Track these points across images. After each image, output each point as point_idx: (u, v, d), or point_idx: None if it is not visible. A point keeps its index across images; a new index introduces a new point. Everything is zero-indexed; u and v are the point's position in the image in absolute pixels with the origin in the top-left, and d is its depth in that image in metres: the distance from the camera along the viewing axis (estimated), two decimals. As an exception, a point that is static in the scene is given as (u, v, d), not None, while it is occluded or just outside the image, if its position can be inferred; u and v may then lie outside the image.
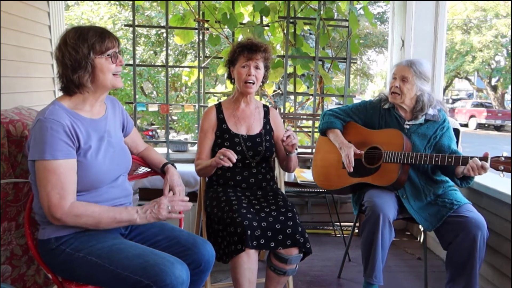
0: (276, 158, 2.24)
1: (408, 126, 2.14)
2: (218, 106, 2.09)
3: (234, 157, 1.74)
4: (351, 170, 2.09)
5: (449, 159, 1.90)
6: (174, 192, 1.64)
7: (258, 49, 1.96)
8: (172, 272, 1.28)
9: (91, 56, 1.37)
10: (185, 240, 1.52)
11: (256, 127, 2.07)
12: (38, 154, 1.31)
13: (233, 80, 2.06)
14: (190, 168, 2.81)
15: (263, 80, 2.05)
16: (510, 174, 1.81)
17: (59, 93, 1.47)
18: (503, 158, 1.81)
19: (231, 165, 1.75)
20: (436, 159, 1.93)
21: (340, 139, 2.18)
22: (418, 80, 2.06)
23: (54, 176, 1.31)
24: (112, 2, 10.72)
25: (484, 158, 1.83)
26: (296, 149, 1.93)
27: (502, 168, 1.80)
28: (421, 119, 2.13)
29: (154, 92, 11.52)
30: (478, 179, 2.24)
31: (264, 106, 2.16)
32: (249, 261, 1.69)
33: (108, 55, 1.40)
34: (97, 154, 1.43)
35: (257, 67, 1.96)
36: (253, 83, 1.97)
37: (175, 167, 1.73)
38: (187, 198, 1.48)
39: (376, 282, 1.95)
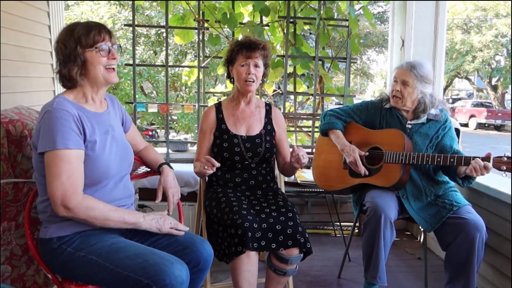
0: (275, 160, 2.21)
1: (410, 126, 2.14)
2: (218, 106, 2.06)
3: (216, 163, 1.70)
4: (366, 173, 2.07)
5: (451, 159, 1.90)
6: (167, 195, 1.64)
7: (257, 47, 1.92)
8: (171, 271, 1.28)
9: (79, 50, 1.38)
10: (183, 239, 1.52)
11: (256, 128, 2.03)
12: (49, 145, 1.31)
13: (232, 80, 2.02)
14: (190, 168, 2.80)
15: (263, 78, 2.01)
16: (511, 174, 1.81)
17: (59, 93, 1.48)
18: (505, 158, 1.81)
19: (214, 170, 1.72)
20: (438, 159, 1.93)
21: (342, 141, 2.17)
22: (419, 83, 2.05)
23: (68, 165, 1.31)
24: (112, 2, 10.72)
25: (486, 158, 1.83)
26: (302, 167, 1.86)
27: (505, 168, 1.80)
28: (423, 119, 2.12)
29: (154, 92, 11.52)
30: (478, 179, 2.23)
31: (267, 105, 2.11)
32: (249, 262, 1.68)
33: (96, 48, 1.40)
34: (104, 147, 1.43)
35: (256, 65, 1.92)
36: (253, 81, 1.93)
37: (171, 168, 1.73)
38: (187, 228, 1.56)
39: (380, 282, 1.95)
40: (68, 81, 1.42)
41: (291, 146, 1.83)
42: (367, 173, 2.08)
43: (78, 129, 1.36)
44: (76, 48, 1.38)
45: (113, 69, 1.47)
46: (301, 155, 1.76)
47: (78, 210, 1.32)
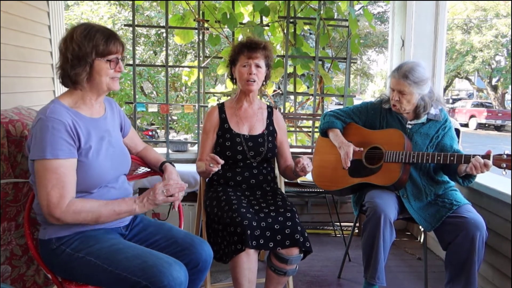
0: (276, 162, 2.22)
1: (410, 126, 2.14)
2: (221, 106, 2.08)
3: (220, 161, 1.69)
4: (348, 165, 2.08)
5: (451, 158, 1.91)
6: None
7: (258, 47, 1.94)
8: (170, 273, 1.28)
9: (92, 57, 1.37)
10: (182, 240, 1.52)
11: (259, 128, 2.05)
12: (39, 154, 1.31)
13: (235, 80, 2.04)
14: (190, 168, 2.82)
15: (266, 79, 2.02)
16: (511, 171, 1.81)
17: (59, 93, 1.47)
18: (505, 156, 1.82)
19: (219, 167, 1.72)
20: (438, 157, 1.93)
21: (339, 139, 2.18)
22: (416, 88, 2.01)
23: (54, 175, 1.30)
24: (112, 2, 10.73)
25: (486, 156, 1.84)
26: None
27: (504, 165, 1.81)
28: (423, 119, 2.13)
29: (154, 92, 11.51)
30: (478, 179, 2.24)
31: (268, 107, 2.14)
32: (249, 260, 1.69)
33: (108, 60, 1.40)
34: (98, 153, 1.43)
35: (257, 66, 1.94)
36: (254, 81, 1.95)
37: (173, 166, 1.73)
38: (183, 183, 1.43)
39: (379, 283, 1.95)
40: (72, 83, 1.41)
41: (297, 157, 1.84)
42: (348, 165, 2.08)
43: (71, 138, 1.35)
44: (91, 54, 1.37)
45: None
46: (306, 164, 1.80)
47: (65, 218, 1.31)
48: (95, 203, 1.36)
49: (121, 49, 1.43)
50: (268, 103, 2.15)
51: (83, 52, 1.36)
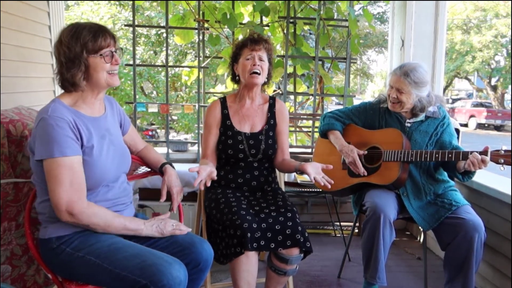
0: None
1: (409, 124, 2.15)
2: (223, 101, 2.04)
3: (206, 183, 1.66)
4: (365, 173, 2.08)
5: (449, 155, 1.91)
6: (171, 193, 1.65)
7: (261, 39, 1.94)
8: (169, 272, 1.28)
9: (84, 55, 1.37)
10: (183, 239, 1.52)
11: (260, 124, 2.02)
12: (47, 153, 1.30)
13: (238, 78, 2.00)
14: (190, 168, 2.82)
15: (268, 77, 2.00)
16: (510, 166, 1.81)
17: (59, 93, 1.47)
18: (503, 151, 1.82)
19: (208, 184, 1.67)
20: (436, 155, 1.94)
21: (340, 142, 2.18)
22: (414, 89, 2.02)
23: (70, 172, 1.31)
24: (112, 2, 10.72)
25: (484, 152, 1.85)
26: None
27: (502, 161, 1.82)
28: (421, 116, 2.13)
29: (154, 92, 11.51)
30: (478, 179, 2.25)
31: (271, 98, 2.09)
32: (248, 263, 1.68)
33: (101, 54, 1.39)
34: (100, 152, 1.43)
35: (261, 59, 1.92)
36: (259, 74, 1.91)
37: (173, 167, 1.73)
38: (189, 229, 1.56)
39: (379, 282, 1.95)
40: (71, 86, 1.40)
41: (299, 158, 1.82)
42: (365, 173, 2.08)
43: (75, 135, 1.35)
44: (82, 53, 1.36)
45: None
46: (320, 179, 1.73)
47: (82, 216, 1.33)
48: (109, 212, 1.41)
49: (112, 42, 1.42)
50: (272, 96, 2.11)
51: (74, 53, 1.36)
